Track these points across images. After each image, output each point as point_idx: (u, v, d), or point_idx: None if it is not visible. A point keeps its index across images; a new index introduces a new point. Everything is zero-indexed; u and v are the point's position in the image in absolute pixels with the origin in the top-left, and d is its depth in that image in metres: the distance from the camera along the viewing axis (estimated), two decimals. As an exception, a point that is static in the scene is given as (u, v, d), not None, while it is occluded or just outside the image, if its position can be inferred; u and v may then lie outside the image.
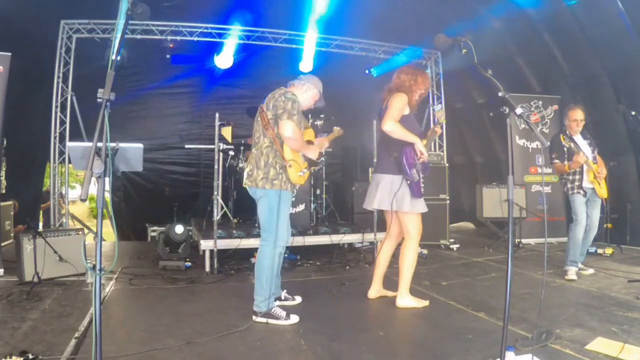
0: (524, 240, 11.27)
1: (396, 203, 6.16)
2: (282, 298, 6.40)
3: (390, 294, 6.66)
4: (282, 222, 5.82)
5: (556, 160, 7.97)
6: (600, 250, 9.85)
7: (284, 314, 5.71)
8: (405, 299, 6.31)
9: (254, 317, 5.66)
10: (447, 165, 11.73)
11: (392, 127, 6.01)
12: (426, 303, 6.35)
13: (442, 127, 3.90)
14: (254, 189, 5.84)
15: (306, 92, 6.27)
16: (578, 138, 7.98)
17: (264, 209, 5.82)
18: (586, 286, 7.22)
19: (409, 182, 6.12)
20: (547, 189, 12.00)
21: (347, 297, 6.77)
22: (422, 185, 6.24)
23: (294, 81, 6.38)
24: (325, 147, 6.79)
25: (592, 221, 7.93)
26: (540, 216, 11.52)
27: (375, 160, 7.25)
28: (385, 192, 6.24)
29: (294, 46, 12.83)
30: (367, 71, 14.25)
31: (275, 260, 5.86)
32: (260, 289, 5.75)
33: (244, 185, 6.00)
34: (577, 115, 7.94)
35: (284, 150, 5.77)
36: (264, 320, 5.63)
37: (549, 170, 11.62)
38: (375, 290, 6.72)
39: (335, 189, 12.94)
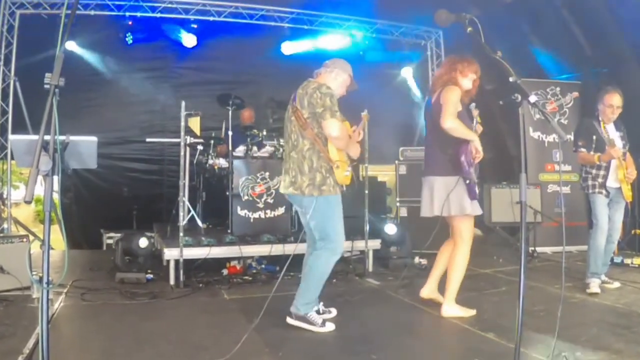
0: (538, 249, 11.19)
1: (452, 206, 6.40)
2: (320, 312, 6.53)
3: (442, 299, 6.81)
4: (340, 227, 6.10)
5: (582, 149, 7.84)
6: (627, 260, 9.75)
7: (320, 320, 6.05)
8: (452, 308, 6.56)
9: (288, 319, 6.10)
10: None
11: (452, 124, 6.21)
12: (473, 312, 6.58)
13: (516, 104, 3.93)
14: (299, 197, 6.06)
15: (336, 80, 6.36)
16: (610, 128, 7.91)
17: (317, 218, 6.05)
18: (611, 302, 7.23)
19: (467, 182, 6.31)
20: (566, 189, 11.99)
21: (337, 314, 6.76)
22: (476, 185, 6.42)
23: (319, 69, 6.47)
24: (360, 139, 6.84)
25: (614, 225, 7.91)
26: (558, 221, 11.50)
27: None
28: (442, 196, 6.43)
29: (272, 24, 12.85)
30: (360, 52, 14.25)
31: (331, 267, 6.13)
32: (307, 291, 6.11)
33: (283, 192, 6.25)
34: (614, 101, 7.79)
35: (329, 151, 5.98)
36: (298, 323, 6.03)
37: (568, 168, 11.66)
38: (430, 289, 7.07)
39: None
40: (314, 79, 6.29)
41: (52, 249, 6.22)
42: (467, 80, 6.54)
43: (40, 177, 3.26)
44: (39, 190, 3.83)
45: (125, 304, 7.21)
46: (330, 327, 6.07)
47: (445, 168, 6.39)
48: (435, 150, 6.55)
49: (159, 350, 5.30)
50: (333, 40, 13.57)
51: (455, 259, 6.61)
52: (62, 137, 3.63)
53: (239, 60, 13.38)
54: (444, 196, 6.40)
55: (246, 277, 8.83)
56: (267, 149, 10.15)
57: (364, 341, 5.92)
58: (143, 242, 9.08)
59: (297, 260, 8.65)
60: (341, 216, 6.14)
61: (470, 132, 6.23)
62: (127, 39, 12.40)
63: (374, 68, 13.78)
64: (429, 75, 14.52)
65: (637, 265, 9.66)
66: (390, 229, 10.17)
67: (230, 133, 9.80)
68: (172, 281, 8.30)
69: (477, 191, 6.41)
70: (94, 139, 4.45)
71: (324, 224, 6.05)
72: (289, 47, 13.42)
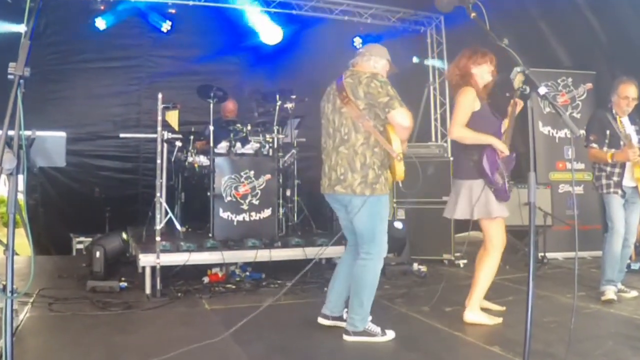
0: (549, 255, 11.25)
1: (478, 210, 6.56)
2: (345, 318, 6.53)
3: (494, 307, 7.20)
4: (386, 229, 6.19)
5: (594, 145, 7.84)
6: (645, 267, 9.82)
7: (378, 329, 6.15)
8: (475, 314, 6.73)
9: (345, 336, 6.14)
10: (451, 159, 11.67)
11: (460, 133, 6.49)
12: (498, 320, 6.75)
13: (525, 96, 3.89)
14: (348, 196, 6.10)
15: (375, 68, 6.38)
16: (625, 121, 7.90)
17: (366, 219, 6.09)
18: (628, 313, 7.25)
19: (492, 188, 6.48)
20: (579, 190, 11.99)
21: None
22: (507, 185, 6.57)
23: (355, 59, 6.52)
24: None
25: (630, 228, 7.88)
26: (570, 224, 11.47)
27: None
28: (466, 199, 6.61)
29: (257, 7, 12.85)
30: (357, 40, 14.23)
31: (379, 273, 6.21)
32: (360, 307, 6.12)
33: (327, 192, 6.35)
34: (630, 92, 7.79)
35: (393, 142, 6.01)
36: (357, 339, 6.08)
37: (581, 166, 11.69)
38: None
39: (311, 189, 12.76)
40: (354, 69, 6.36)
41: (17, 254, 6.20)
42: (484, 72, 6.62)
43: (3, 176, 3.25)
44: (3, 190, 3.83)
45: (96, 315, 7.18)
46: (391, 334, 6.23)
47: (470, 172, 6.59)
48: (461, 154, 6.78)
49: (134, 366, 5.30)
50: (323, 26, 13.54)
51: (485, 264, 6.84)
52: (28, 133, 3.62)
53: (221, 49, 13.37)
54: (467, 200, 6.58)
55: (229, 286, 8.80)
56: (252, 146, 10.08)
57: (355, 353, 5.93)
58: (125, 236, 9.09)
59: (284, 268, 8.66)
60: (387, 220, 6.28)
61: (483, 137, 6.38)
62: (98, 24, 12.37)
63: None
64: (429, 64, 14.55)
65: (656, 272, 9.67)
66: (398, 225, 10.24)
67: (211, 128, 9.77)
68: (148, 290, 8.27)
69: (507, 191, 6.56)
70: (62, 134, 4.43)
71: (373, 225, 6.10)
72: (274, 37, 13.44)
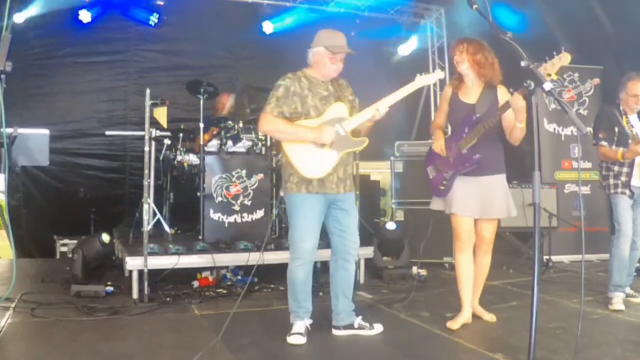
0: (554, 258, 11.20)
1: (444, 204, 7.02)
2: (356, 326, 6.64)
3: (486, 316, 7.21)
4: (298, 231, 6.37)
5: (603, 142, 7.73)
6: (655, 270, 9.77)
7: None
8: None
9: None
10: (451, 157, 11.74)
11: None
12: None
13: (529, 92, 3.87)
14: (352, 193, 6.66)
15: (317, 63, 6.47)
16: (634, 119, 7.85)
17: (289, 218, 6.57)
18: (637, 318, 7.24)
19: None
20: (586, 190, 12.06)
21: (317, 329, 6.69)
22: (443, 181, 6.95)
23: None
24: None
25: (637, 230, 7.83)
26: (577, 225, 11.49)
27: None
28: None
29: (250, 0, 12.84)
30: (352, 33, 14.24)
31: (295, 276, 6.40)
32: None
33: (344, 192, 6.48)
34: (639, 89, 7.77)
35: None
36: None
37: (588, 165, 11.69)
38: (470, 312, 7.09)
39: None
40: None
41: (-2, 257, 6.20)
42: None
43: (-17, 176, 3.24)
44: (-17, 190, 3.82)
45: (81, 321, 7.14)
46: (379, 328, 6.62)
47: None
48: None
49: (120, 374, 5.29)
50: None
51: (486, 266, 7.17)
52: (9, 130, 3.62)
53: (211, 42, 13.37)
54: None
55: (220, 290, 8.78)
56: (244, 144, 10.04)
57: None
58: (106, 238, 9.04)
59: (277, 270, 8.66)
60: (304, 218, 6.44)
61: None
62: (82, 16, 12.35)
63: (365, 51, 13.78)
64: (429, 59, 14.57)
65: (666, 276, 9.64)
66: (390, 225, 10.21)
67: (201, 125, 9.76)
68: (135, 294, 8.23)
69: (438, 187, 7.01)
70: (45, 132, 4.43)
71: (290, 224, 6.44)
72: (269, 27, 13.43)
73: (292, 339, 6.23)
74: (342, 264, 6.58)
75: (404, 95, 6.41)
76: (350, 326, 6.59)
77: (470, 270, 6.95)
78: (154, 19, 12.79)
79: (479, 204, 6.76)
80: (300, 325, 6.38)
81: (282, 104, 6.26)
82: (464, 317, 6.90)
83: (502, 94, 6.64)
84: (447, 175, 6.83)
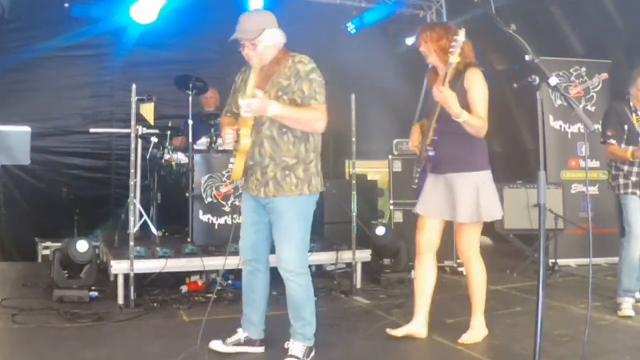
0: (560, 261, 11.25)
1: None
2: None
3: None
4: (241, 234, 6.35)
5: (612, 140, 7.73)
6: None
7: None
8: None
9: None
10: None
11: None
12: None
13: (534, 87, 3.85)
14: None
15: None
16: None
17: None
18: (647, 325, 7.26)
19: None
20: (594, 190, 12.03)
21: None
22: (414, 179, 6.82)
23: None
24: None
25: (649, 232, 7.84)
26: (584, 227, 11.46)
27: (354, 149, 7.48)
28: None
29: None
30: (350, 26, 14.21)
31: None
32: None
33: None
34: None
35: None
36: None
37: (596, 164, 11.68)
38: (422, 324, 6.89)
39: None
40: None
41: (-24, 261, 6.19)
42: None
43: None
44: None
45: (64, 328, 7.14)
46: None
47: None
48: None
49: (104, 384, 5.29)
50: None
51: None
52: (-13, 127, 3.61)
53: (200, 36, 13.37)
54: None
55: (209, 295, 8.73)
56: (234, 141, 10.01)
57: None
58: (82, 246, 8.92)
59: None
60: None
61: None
62: (67, 8, 12.33)
63: (360, 44, 13.75)
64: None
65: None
66: (380, 231, 10.12)
67: (190, 122, 9.75)
68: (120, 300, 8.23)
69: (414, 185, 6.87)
70: (26, 129, 4.41)
71: None
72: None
73: (212, 343, 6.15)
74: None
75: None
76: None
77: (426, 279, 6.80)
78: (148, 18, 12.77)
79: (444, 205, 6.56)
80: (238, 334, 6.25)
81: None
82: (410, 328, 6.80)
83: (469, 81, 6.32)
84: (416, 174, 6.78)
